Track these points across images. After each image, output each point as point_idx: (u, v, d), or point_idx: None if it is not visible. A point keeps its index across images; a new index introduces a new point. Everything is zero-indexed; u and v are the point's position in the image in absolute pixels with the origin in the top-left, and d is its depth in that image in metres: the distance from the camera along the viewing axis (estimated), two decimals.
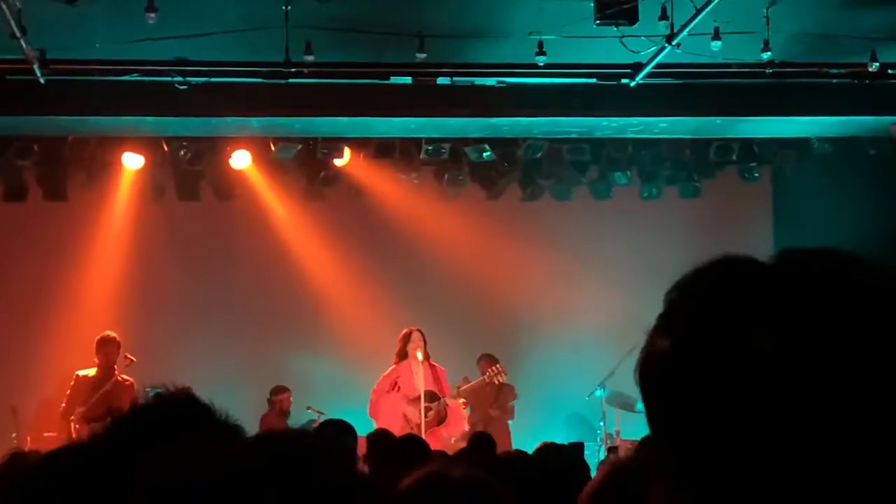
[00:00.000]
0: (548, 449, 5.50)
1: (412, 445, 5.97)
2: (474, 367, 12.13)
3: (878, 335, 1.06)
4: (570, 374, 13.03)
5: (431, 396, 10.89)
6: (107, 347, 11.04)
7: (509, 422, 12.29)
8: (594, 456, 10.87)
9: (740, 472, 1.06)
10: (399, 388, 10.90)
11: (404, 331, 11.23)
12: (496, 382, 11.59)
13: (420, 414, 10.65)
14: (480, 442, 7.01)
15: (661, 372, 1.12)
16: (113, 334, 11.23)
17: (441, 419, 10.95)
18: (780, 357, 1.06)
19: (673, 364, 1.11)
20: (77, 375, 11.03)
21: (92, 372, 11.05)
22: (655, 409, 1.13)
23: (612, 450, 10.54)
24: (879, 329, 1.06)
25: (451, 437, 10.93)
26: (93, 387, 10.82)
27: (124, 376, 10.99)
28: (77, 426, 10.62)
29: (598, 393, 11.78)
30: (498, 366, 11.61)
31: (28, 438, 11.40)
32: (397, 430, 9.71)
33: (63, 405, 10.99)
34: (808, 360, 1.05)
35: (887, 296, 1.09)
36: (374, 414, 10.87)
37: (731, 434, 1.06)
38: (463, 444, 9.36)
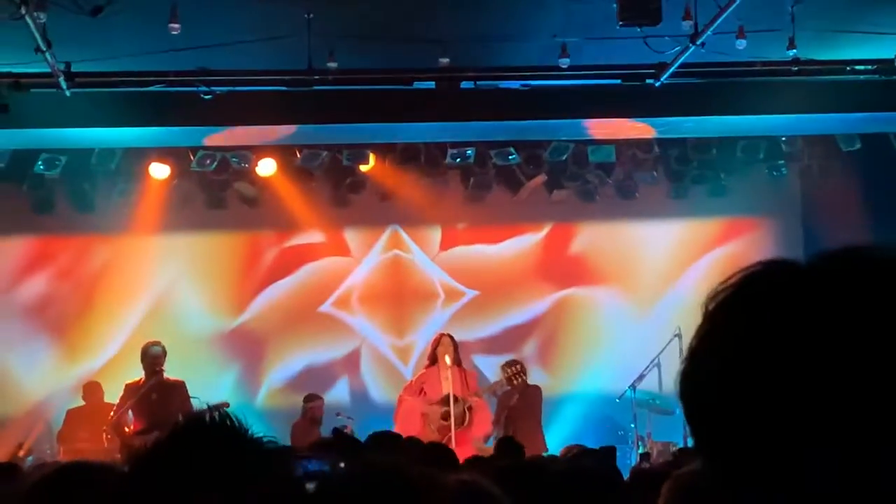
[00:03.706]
0: (578, 453, 5.43)
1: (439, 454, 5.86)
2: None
3: None
4: (598, 374, 12.99)
5: (452, 399, 10.71)
6: (147, 354, 10.67)
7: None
8: (626, 458, 10.79)
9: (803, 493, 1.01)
10: (425, 392, 10.82)
11: (434, 335, 11.22)
12: (514, 383, 11.18)
13: (438, 416, 10.57)
14: (506, 447, 6.92)
15: (712, 394, 1.05)
16: (155, 341, 10.78)
17: (461, 422, 10.61)
18: (844, 369, 0.99)
19: (726, 386, 1.04)
20: (126, 385, 10.63)
21: (138, 379, 10.59)
22: (705, 431, 1.06)
23: (644, 456, 10.42)
24: None
25: (474, 438, 10.77)
26: (138, 394, 10.42)
27: (171, 377, 10.51)
28: (129, 433, 10.37)
29: (629, 394, 11.69)
30: (516, 366, 11.29)
31: (61, 449, 11.44)
32: (415, 430, 9.71)
33: (112, 414, 10.63)
34: (872, 373, 0.99)
35: None
36: (395, 418, 10.80)
37: (792, 454, 1.01)
38: (489, 448, 9.29)
